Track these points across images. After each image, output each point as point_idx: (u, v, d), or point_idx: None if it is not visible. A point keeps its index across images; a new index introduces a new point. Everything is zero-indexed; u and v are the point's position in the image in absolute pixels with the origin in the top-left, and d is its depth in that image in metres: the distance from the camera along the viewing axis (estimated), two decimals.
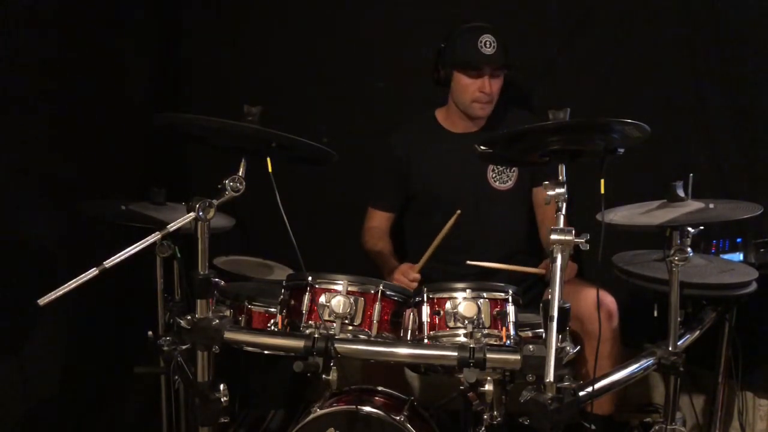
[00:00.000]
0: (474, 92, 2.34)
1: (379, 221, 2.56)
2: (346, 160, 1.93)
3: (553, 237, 1.51)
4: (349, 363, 1.72)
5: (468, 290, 1.73)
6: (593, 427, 2.13)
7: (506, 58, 2.34)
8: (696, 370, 2.22)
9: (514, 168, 2.45)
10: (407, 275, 2.18)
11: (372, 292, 1.77)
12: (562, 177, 1.59)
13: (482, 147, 1.75)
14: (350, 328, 1.73)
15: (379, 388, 1.90)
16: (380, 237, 2.52)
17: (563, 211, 1.56)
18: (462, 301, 1.71)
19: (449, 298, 1.74)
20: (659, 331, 1.83)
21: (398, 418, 1.74)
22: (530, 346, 1.54)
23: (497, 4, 2.70)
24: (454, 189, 2.43)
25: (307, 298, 1.76)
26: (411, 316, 1.79)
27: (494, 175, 2.45)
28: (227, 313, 1.83)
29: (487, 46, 2.29)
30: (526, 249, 2.47)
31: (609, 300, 2.21)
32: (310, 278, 1.77)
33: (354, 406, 1.74)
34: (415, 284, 2.13)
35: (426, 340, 1.72)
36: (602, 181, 1.61)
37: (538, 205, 2.49)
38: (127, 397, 2.51)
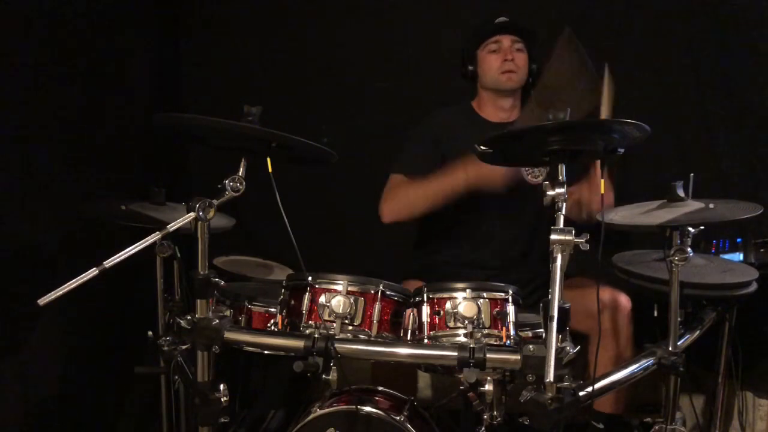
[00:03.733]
0: (499, 64, 2.35)
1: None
2: (346, 160, 1.93)
3: (553, 237, 1.51)
4: (358, 362, 1.72)
5: (468, 290, 1.73)
6: (602, 426, 2.14)
7: (520, 25, 2.38)
8: (696, 370, 2.22)
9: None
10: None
11: (372, 292, 1.77)
12: (562, 177, 1.59)
13: (482, 147, 1.75)
14: (350, 328, 1.73)
15: (380, 388, 1.89)
16: (408, 182, 2.30)
17: (563, 211, 1.56)
18: (462, 301, 1.71)
19: (449, 298, 1.73)
20: (659, 331, 1.83)
21: (398, 418, 1.74)
22: (530, 346, 1.54)
23: (497, 4, 2.70)
24: None
25: (307, 298, 1.75)
26: (411, 316, 1.79)
27: (528, 169, 2.41)
28: (227, 313, 1.83)
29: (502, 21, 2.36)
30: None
31: (623, 299, 2.21)
32: (310, 278, 1.77)
33: (354, 406, 1.74)
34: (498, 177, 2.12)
35: (426, 340, 1.72)
36: (602, 181, 1.61)
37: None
38: (127, 397, 2.51)
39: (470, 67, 2.41)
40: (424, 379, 2.64)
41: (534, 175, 2.41)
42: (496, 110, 2.45)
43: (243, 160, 1.69)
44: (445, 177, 2.19)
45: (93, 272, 1.45)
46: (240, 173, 1.67)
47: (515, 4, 2.67)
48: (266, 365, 2.55)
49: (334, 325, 1.71)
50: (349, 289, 1.75)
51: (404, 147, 2.45)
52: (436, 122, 2.46)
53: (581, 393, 1.58)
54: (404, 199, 2.27)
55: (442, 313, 1.73)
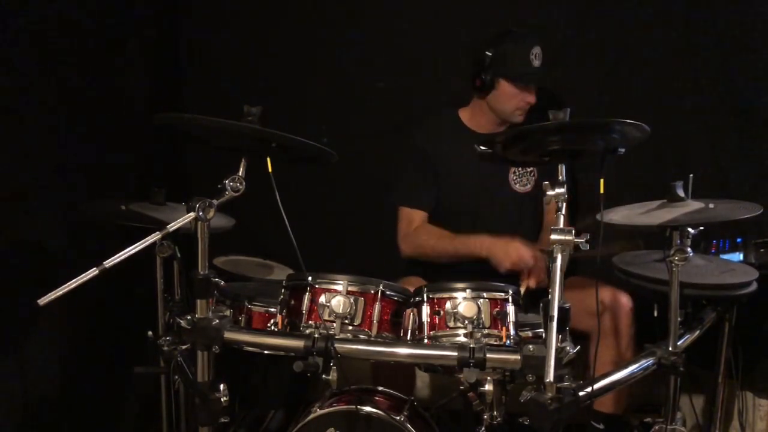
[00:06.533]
0: (519, 102, 2.33)
1: (420, 220, 2.43)
2: (346, 160, 1.93)
3: (553, 237, 1.51)
4: (358, 362, 1.72)
5: (468, 290, 1.73)
6: (602, 426, 2.13)
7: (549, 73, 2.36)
8: (696, 370, 2.22)
9: (533, 171, 2.44)
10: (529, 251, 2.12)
11: (372, 292, 1.77)
12: (561, 177, 1.59)
13: (482, 147, 1.75)
14: (350, 328, 1.73)
15: (379, 388, 1.89)
16: (431, 229, 2.41)
17: (563, 211, 1.56)
18: (462, 301, 1.71)
19: (449, 298, 1.73)
20: (659, 331, 1.83)
21: (398, 418, 1.74)
22: (530, 346, 1.54)
23: (498, 4, 2.70)
24: (476, 190, 2.41)
25: (307, 298, 1.75)
26: (411, 316, 1.79)
27: (515, 178, 2.44)
28: (227, 313, 1.83)
29: (537, 58, 2.29)
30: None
31: (625, 298, 2.21)
32: (310, 278, 1.77)
33: (354, 406, 1.74)
34: (531, 260, 2.11)
35: (426, 340, 1.72)
36: (602, 180, 1.61)
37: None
38: (127, 397, 2.51)
39: (486, 80, 2.34)
40: (423, 379, 2.65)
41: (522, 184, 2.43)
42: (488, 123, 2.44)
43: (243, 160, 1.69)
44: (468, 246, 2.25)
45: (93, 272, 1.45)
46: (240, 173, 1.67)
47: (517, 6, 2.68)
48: (266, 365, 2.55)
49: (334, 325, 1.71)
50: (349, 289, 1.75)
51: (401, 176, 2.48)
52: (423, 142, 2.45)
53: (581, 393, 1.58)
54: (426, 248, 2.37)
55: (442, 313, 1.73)
